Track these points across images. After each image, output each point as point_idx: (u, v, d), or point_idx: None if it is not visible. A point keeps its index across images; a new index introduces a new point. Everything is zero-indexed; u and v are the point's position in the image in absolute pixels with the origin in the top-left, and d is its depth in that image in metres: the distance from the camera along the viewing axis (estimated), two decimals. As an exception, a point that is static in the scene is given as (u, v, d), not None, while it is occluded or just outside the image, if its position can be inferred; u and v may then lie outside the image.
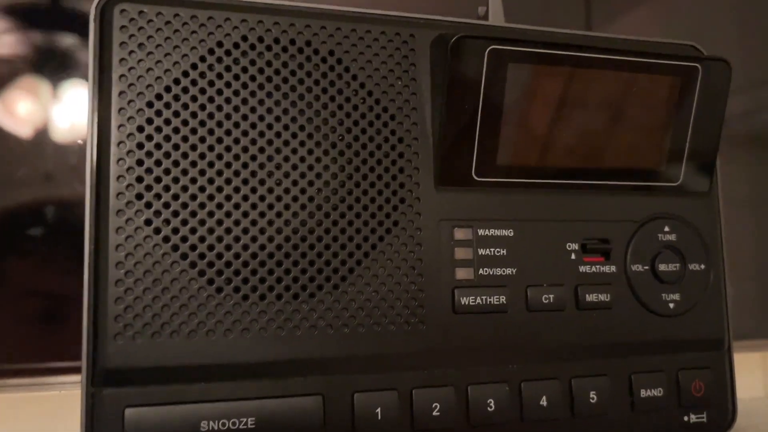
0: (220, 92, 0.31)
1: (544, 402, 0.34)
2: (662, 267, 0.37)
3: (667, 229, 0.37)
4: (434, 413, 0.33)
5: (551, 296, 0.35)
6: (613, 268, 0.36)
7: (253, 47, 0.32)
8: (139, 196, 0.30)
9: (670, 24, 0.68)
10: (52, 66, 0.50)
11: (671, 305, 0.37)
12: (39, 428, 0.41)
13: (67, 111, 0.50)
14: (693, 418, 0.37)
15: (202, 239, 0.30)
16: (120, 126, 0.30)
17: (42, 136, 0.50)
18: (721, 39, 0.68)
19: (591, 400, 0.35)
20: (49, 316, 0.49)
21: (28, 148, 0.50)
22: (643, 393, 0.36)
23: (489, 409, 0.33)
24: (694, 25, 0.68)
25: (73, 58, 0.51)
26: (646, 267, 0.37)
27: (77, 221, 0.48)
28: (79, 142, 0.50)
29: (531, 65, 0.34)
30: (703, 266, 0.37)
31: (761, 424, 0.42)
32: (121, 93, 0.30)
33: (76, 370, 0.45)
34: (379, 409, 0.32)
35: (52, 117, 0.50)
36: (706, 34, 0.68)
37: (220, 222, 0.30)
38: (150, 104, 0.30)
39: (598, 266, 0.36)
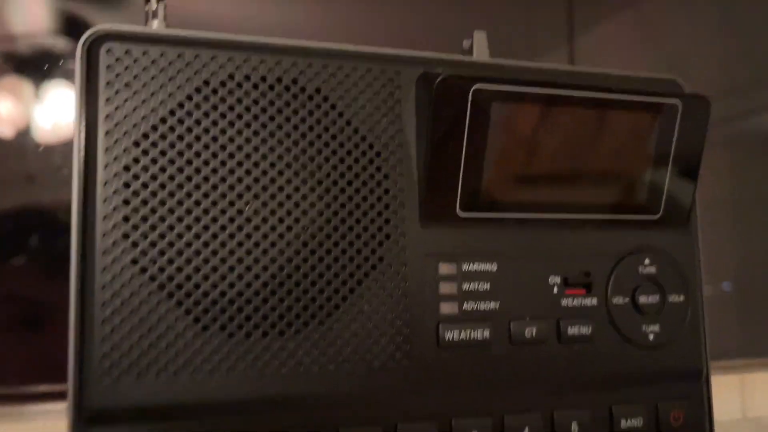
0: (206, 131, 0.31)
1: (526, 434, 0.35)
2: (642, 299, 0.37)
3: (647, 261, 0.38)
4: (419, 448, 0.33)
5: (534, 329, 0.35)
6: (595, 301, 0.37)
7: (239, 85, 0.32)
8: (126, 236, 0.30)
9: (652, 30, 0.69)
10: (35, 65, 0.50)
11: (651, 336, 0.37)
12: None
13: (49, 112, 0.50)
14: (672, 447, 0.37)
15: (188, 278, 0.30)
16: (106, 165, 0.30)
17: (24, 137, 0.50)
18: (702, 46, 0.69)
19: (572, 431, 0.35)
20: (28, 324, 0.49)
21: (9, 149, 0.49)
22: (623, 424, 0.36)
23: (473, 442, 0.34)
24: (674, 31, 0.69)
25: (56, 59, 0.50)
26: (627, 299, 0.37)
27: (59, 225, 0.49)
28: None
29: (514, 103, 0.34)
30: (682, 297, 0.38)
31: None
32: (107, 132, 0.30)
33: (61, 396, 0.45)
34: (367, 445, 0.32)
35: (35, 117, 0.50)
36: (686, 41, 0.69)
37: (206, 260, 0.31)
38: (136, 143, 0.30)
39: (579, 299, 0.36)
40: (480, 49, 0.38)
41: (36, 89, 0.50)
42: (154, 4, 0.33)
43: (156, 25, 0.33)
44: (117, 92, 0.30)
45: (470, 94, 0.33)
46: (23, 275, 0.49)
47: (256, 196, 0.32)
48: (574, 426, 0.35)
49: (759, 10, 0.73)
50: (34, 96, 0.50)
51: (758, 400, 0.50)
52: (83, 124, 0.30)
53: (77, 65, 0.30)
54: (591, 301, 0.37)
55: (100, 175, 0.30)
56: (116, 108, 0.30)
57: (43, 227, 0.50)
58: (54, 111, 0.50)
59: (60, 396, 0.45)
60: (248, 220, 0.31)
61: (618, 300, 0.37)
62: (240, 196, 0.31)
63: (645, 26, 0.69)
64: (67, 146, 0.50)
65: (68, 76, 0.50)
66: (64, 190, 0.48)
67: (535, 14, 0.66)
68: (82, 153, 0.30)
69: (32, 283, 0.49)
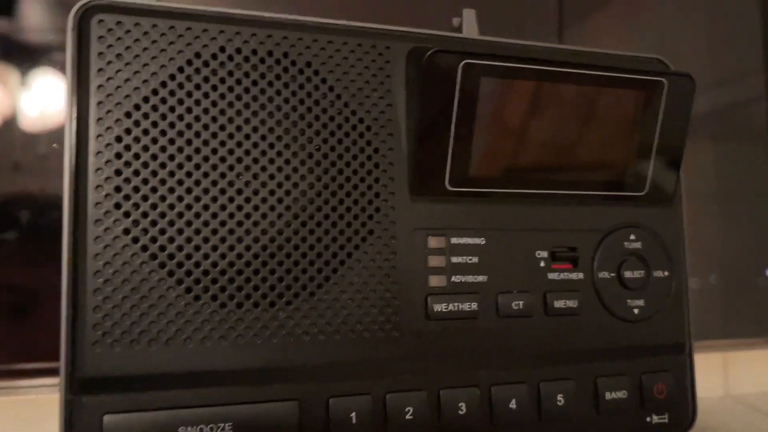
0: (198, 102, 0.31)
1: (513, 405, 0.35)
2: (627, 274, 0.38)
3: (632, 237, 0.38)
4: (407, 416, 0.33)
5: (521, 303, 0.36)
6: (581, 275, 0.37)
7: (231, 58, 0.32)
8: (118, 206, 0.30)
9: (640, 21, 0.69)
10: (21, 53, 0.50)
11: (636, 311, 0.38)
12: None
13: (36, 99, 0.50)
14: (655, 419, 0.38)
15: (180, 248, 0.31)
16: (98, 136, 0.30)
17: (10, 125, 0.49)
18: (690, 37, 0.70)
19: (558, 404, 0.36)
20: (15, 311, 0.49)
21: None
22: (608, 396, 0.37)
23: (460, 412, 0.34)
24: (662, 24, 0.70)
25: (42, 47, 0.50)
26: (613, 274, 0.38)
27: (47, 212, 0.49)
28: (55, 146, 0.49)
29: (503, 79, 0.35)
30: (666, 273, 0.39)
31: (720, 424, 0.44)
32: (99, 103, 0.30)
33: (52, 372, 0.45)
34: (353, 414, 0.32)
35: (21, 105, 0.50)
36: (674, 33, 0.69)
37: (197, 231, 0.31)
38: (128, 114, 0.30)
39: (566, 273, 0.37)
40: (469, 26, 0.38)
41: (22, 77, 0.50)
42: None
43: (149, -4, 0.33)
44: (109, 63, 0.30)
45: (460, 68, 0.33)
46: (8, 262, 0.49)
47: (246, 168, 0.32)
48: (560, 398, 0.36)
49: (746, 3, 0.73)
50: (21, 84, 0.50)
51: (741, 379, 0.51)
52: (75, 94, 0.30)
53: (68, 36, 0.31)
54: (577, 276, 0.37)
55: (92, 145, 0.30)
56: (108, 79, 0.30)
57: (30, 214, 0.49)
58: (41, 99, 0.50)
59: (50, 372, 0.45)
60: (239, 191, 0.32)
61: (604, 275, 0.38)
62: (231, 168, 0.32)
63: (634, 18, 0.70)
64: (53, 134, 0.50)
65: (55, 64, 0.50)
66: (50, 179, 0.48)
67: (525, 5, 0.66)
68: (74, 123, 0.30)
69: (17, 271, 0.49)
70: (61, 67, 0.50)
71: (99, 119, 0.30)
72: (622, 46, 0.68)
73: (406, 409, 0.33)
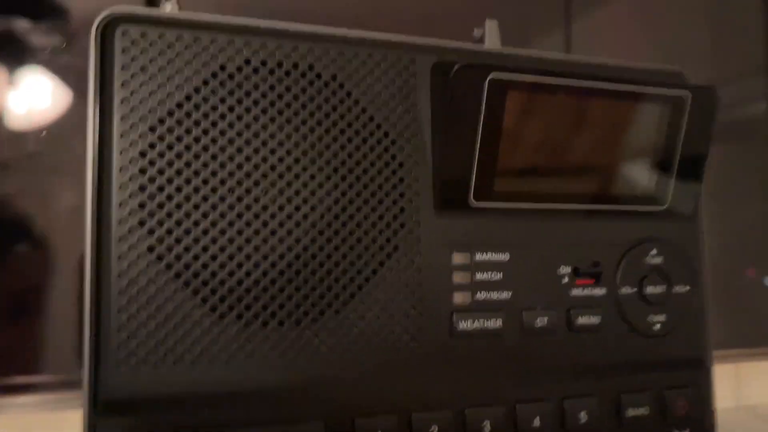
0: (223, 116, 0.31)
1: (537, 423, 0.35)
2: (649, 289, 0.38)
3: (654, 252, 0.38)
4: (431, 436, 0.33)
5: (545, 319, 0.35)
6: (603, 291, 0.37)
7: (255, 71, 0.31)
8: (142, 222, 0.29)
9: (646, 17, 0.69)
10: (8, 51, 0.49)
11: (656, 326, 0.38)
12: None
13: (23, 97, 0.49)
14: (676, 434, 0.38)
15: (205, 265, 0.30)
16: (122, 151, 0.29)
17: None
18: (695, 38, 0.70)
19: (581, 420, 0.36)
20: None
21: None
22: (631, 412, 0.37)
23: (485, 430, 0.34)
24: (667, 20, 0.69)
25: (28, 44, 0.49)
26: (634, 289, 0.38)
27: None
28: (43, 133, 0.48)
29: (529, 93, 0.34)
30: (687, 288, 0.39)
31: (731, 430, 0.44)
32: (123, 117, 0.29)
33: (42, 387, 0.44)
34: (381, 433, 0.32)
35: (8, 103, 0.48)
36: (678, 31, 0.69)
37: (223, 248, 0.30)
38: (153, 129, 0.30)
39: (589, 289, 0.37)
40: (492, 37, 0.38)
41: (10, 75, 0.49)
42: (168, -16, 0.33)
43: (169, 8, 0.32)
44: (132, 76, 0.30)
45: (486, 83, 0.33)
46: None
47: (272, 184, 0.31)
48: (583, 414, 0.36)
49: (747, 2, 0.74)
50: (8, 82, 0.49)
51: (753, 389, 0.51)
52: (98, 107, 0.29)
53: (91, 48, 0.30)
54: (600, 291, 0.37)
55: (116, 160, 0.29)
56: (132, 92, 0.30)
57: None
58: (28, 97, 0.49)
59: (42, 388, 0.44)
60: (265, 207, 0.31)
61: (626, 290, 0.37)
62: (256, 183, 0.31)
63: (639, 13, 0.69)
64: (40, 133, 0.49)
65: (44, 62, 0.49)
66: (37, 178, 0.47)
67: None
68: (97, 137, 0.29)
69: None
70: (49, 66, 0.49)
71: (122, 134, 0.29)
72: (629, 40, 0.68)
73: (431, 428, 0.33)
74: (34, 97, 0.48)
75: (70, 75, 0.49)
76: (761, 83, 0.73)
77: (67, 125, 0.49)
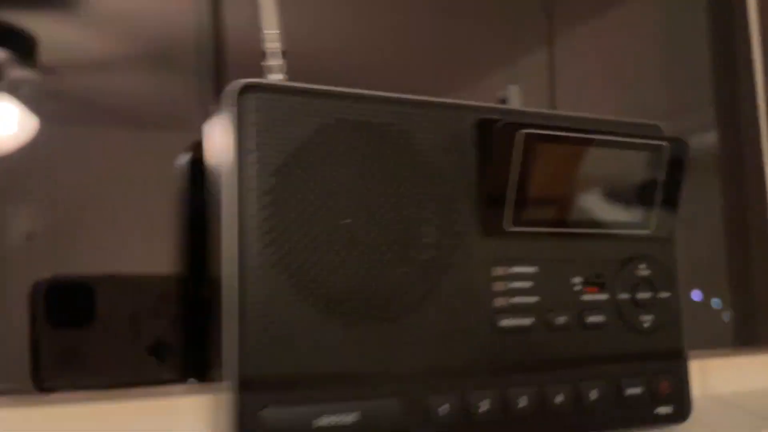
0: (324, 162, 0.40)
1: (560, 399, 0.45)
2: (640, 295, 0.48)
3: (643, 266, 0.49)
4: (481, 410, 0.42)
5: (563, 318, 0.45)
6: (606, 296, 0.47)
7: (346, 127, 0.41)
8: (270, 243, 0.38)
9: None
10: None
11: (646, 324, 0.48)
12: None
13: None
14: (663, 410, 0.48)
15: (316, 276, 0.39)
16: (258, 187, 0.38)
17: None
18: (651, 74, 0.80)
19: (591, 398, 0.46)
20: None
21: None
22: (628, 392, 0.47)
23: (521, 405, 0.43)
24: (627, 54, 0.79)
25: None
26: (629, 295, 0.48)
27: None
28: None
29: (550, 144, 0.45)
30: (668, 294, 0.49)
31: (703, 416, 0.54)
32: (255, 162, 0.39)
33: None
34: (444, 406, 0.41)
35: None
36: (637, 64, 0.79)
37: (329, 262, 0.39)
38: (277, 171, 0.39)
39: (595, 295, 0.47)
40: (514, 99, 0.48)
41: None
42: (278, 60, 0.42)
43: (280, 78, 0.42)
44: (264, 130, 0.39)
45: (519, 136, 0.43)
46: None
47: (361, 214, 0.41)
48: (593, 394, 0.46)
49: (697, 41, 0.85)
50: None
51: (714, 381, 0.62)
52: (238, 155, 0.38)
53: (231, 109, 0.39)
54: (603, 297, 0.47)
55: (251, 195, 0.38)
56: (263, 143, 0.39)
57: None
58: None
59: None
60: (358, 235, 0.40)
61: (623, 296, 0.48)
62: (350, 214, 0.40)
63: (605, 56, 0.79)
64: (4, 160, 0.51)
65: (11, 90, 0.51)
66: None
67: (516, 15, 0.73)
68: (235, 177, 0.38)
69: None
70: (16, 94, 0.51)
71: (256, 175, 0.38)
72: (608, 61, 0.77)
73: (482, 403, 0.42)
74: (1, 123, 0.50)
75: (37, 103, 0.52)
76: (710, 115, 0.84)
77: (30, 153, 0.51)
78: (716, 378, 0.63)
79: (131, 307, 0.53)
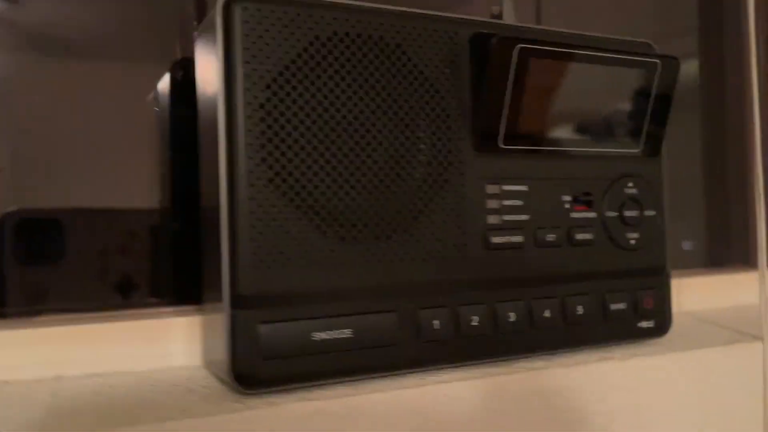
0: (318, 76, 0.39)
1: (547, 314, 0.46)
2: (627, 213, 0.49)
3: (630, 184, 0.49)
4: (472, 323, 0.43)
5: (553, 236, 0.46)
6: (594, 214, 0.48)
7: (341, 40, 0.40)
8: (264, 159, 0.37)
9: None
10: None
11: (632, 242, 0.49)
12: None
13: None
14: (645, 324, 0.50)
15: (310, 193, 0.38)
16: (248, 103, 0.37)
17: None
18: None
19: (578, 313, 0.47)
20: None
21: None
22: (613, 307, 0.48)
23: (510, 320, 0.44)
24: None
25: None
26: (616, 213, 0.49)
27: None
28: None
29: (546, 60, 0.44)
30: (654, 212, 0.50)
31: (681, 331, 0.56)
32: (246, 75, 0.37)
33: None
34: (436, 321, 0.42)
35: None
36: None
37: (323, 179, 0.39)
38: (268, 85, 0.38)
39: (584, 213, 0.47)
40: (508, 13, 0.47)
41: None
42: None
43: (270, -13, 0.40)
44: (253, 43, 0.37)
45: (515, 51, 0.42)
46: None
47: (355, 129, 0.40)
48: (579, 309, 0.47)
49: None
50: None
51: (688, 299, 0.64)
52: (225, 67, 0.37)
53: (217, 20, 0.37)
54: (592, 215, 0.48)
55: (241, 110, 0.37)
56: (252, 56, 0.37)
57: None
58: None
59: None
60: (351, 148, 0.40)
61: (610, 213, 0.48)
62: (344, 129, 0.40)
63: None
64: None
65: None
66: None
67: None
68: (224, 92, 0.37)
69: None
70: None
71: (246, 89, 0.37)
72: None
73: (473, 317, 0.43)
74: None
75: (18, 30, 0.50)
76: (694, 42, 0.84)
77: (8, 80, 0.50)
78: (691, 296, 0.65)
79: (101, 242, 0.52)
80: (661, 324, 0.51)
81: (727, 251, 0.82)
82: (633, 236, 0.49)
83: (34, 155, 0.51)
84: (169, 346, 0.45)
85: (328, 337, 0.39)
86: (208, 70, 0.40)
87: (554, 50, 0.44)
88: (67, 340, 0.44)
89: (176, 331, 0.46)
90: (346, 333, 0.40)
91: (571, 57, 0.45)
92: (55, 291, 0.51)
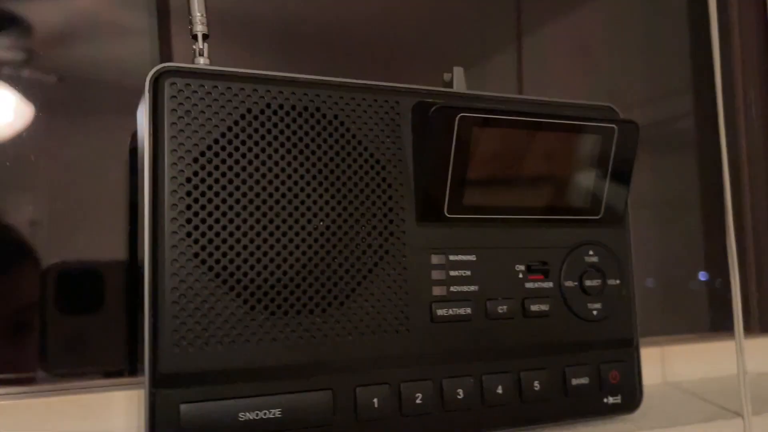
0: (250, 149, 0.39)
1: (500, 390, 0.43)
2: (588, 282, 0.47)
3: (591, 252, 0.47)
4: (417, 401, 0.41)
5: (505, 307, 0.44)
6: (551, 284, 0.46)
7: (275, 113, 0.40)
8: (189, 234, 0.37)
9: (586, 40, 0.78)
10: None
11: (594, 312, 0.47)
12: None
13: None
14: (611, 399, 0.47)
15: (238, 267, 0.38)
16: (172, 177, 0.37)
17: None
18: (630, 60, 0.79)
19: (535, 388, 0.45)
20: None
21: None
22: (574, 382, 0.46)
23: (459, 397, 0.42)
24: (605, 45, 0.79)
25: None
26: (576, 283, 0.47)
27: None
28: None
29: (491, 128, 0.43)
30: (618, 281, 0.48)
31: (658, 405, 0.53)
32: (172, 150, 0.37)
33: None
34: (375, 399, 0.40)
35: None
36: (617, 53, 0.78)
37: (252, 253, 0.38)
38: (196, 159, 0.38)
39: (539, 283, 0.46)
40: (459, 82, 0.47)
41: None
42: (200, 44, 0.41)
43: (203, 62, 0.40)
44: (180, 118, 0.37)
45: (456, 120, 0.42)
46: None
47: (288, 202, 0.39)
48: (536, 384, 0.45)
49: (675, 31, 0.83)
50: None
51: (675, 368, 0.60)
52: (151, 142, 0.37)
53: (146, 95, 0.37)
54: (548, 285, 0.46)
55: (168, 185, 0.37)
56: (179, 131, 0.37)
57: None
58: None
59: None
60: (284, 220, 0.39)
61: (569, 283, 0.46)
62: (277, 202, 0.39)
63: (581, 35, 0.78)
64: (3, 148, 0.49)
65: (5, 77, 0.50)
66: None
67: (485, 15, 0.73)
68: (151, 166, 0.37)
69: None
70: (10, 81, 0.50)
71: (173, 164, 0.37)
72: (574, 57, 0.76)
73: (416, 395, 0.41)
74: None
75: (32, 90, 0.50)
76: (689, 101, 0.83)
77: (26, 140, 0.50)
78: (678, 365, 0.61)
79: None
80: (630, 399, 0.48)
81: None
82: (595, 307, 0.47)
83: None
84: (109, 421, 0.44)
85: (255, 417, 0.38)
86: (140, 139, 0.41)
87: (498, 118, 0.43)
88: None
89: (116, 406, 0.45)
90: (275, 413, 0.38)
91: (519, 125, 0.44)
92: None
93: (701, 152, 0.82)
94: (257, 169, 0.39)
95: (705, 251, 0.81)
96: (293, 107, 0.40)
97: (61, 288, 0.50)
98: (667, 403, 0.53)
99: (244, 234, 0.38)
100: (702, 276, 0.80)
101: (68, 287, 0.50)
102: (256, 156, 0.39)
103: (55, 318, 0.50)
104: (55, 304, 0.49)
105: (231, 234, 0.38)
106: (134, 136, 0.51)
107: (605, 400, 0.47)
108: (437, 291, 0.43)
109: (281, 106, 0.40)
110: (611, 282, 0.48)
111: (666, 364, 0.59)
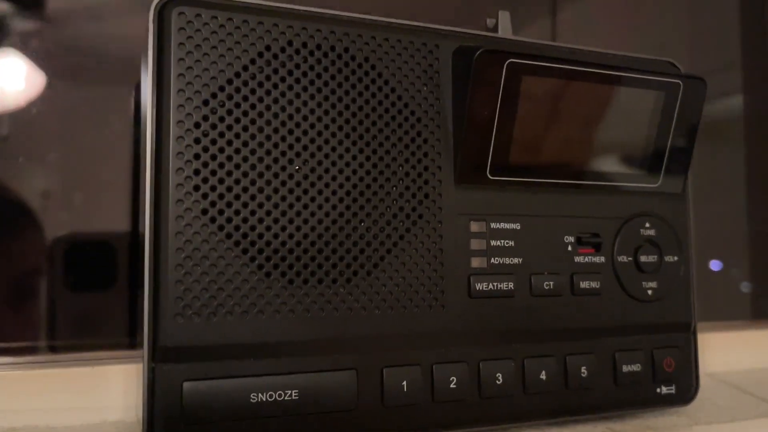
0: (268, 93, 0.34)
1: (543, 376, 0.39)
2: (643, 258, 0.42)
3: (647, 225, 0.42)
4: (451, 386, 0.36)
5: (551, 283, 0.39)
6: (603, 259, 0.41)
7: (297, 52, 0.34)
8: (197, 188, 0.32)
9: (630, 11, 0.72)
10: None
11: (649, 292, 0.42)
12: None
13: None
14: (664, 390, 0.42)
15: (252, 228, 0.33)
16: (179, 122, 0.32)
17: None
18: (674, 33, 0.74)
19: (582, 375, 0.40)
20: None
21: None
22: (625, 368, 0.41)
23: (497, 382, 0.38)
24: (651, 16, 0.73)
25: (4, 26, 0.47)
26: (630, 258, 0.41)
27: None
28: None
29: (542, 77, 0.38)
30: (676, 258, 0.43)
31: (709, 398, 0.48)
32: (179, 91, 0.32)
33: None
34: (404, 382, 0.35)
35: None
36: (660, 26, 0.72)
37: (268, 212, 0.33)
38: (206, 102, 0.33)
39: (590, 257, 0.40)
40: (504, 27, 0.41)
41: None
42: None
43: (217, -9, 0.35)
44: (188, 53, 0.32)
45: (504, 67, 0.36)
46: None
47: (312, 155, 0.34)
48: (584, 370, 0.40)
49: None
50: None
51: (711, 359, 0.55)
52: (156, 81, 0.32)
53: (150, 27, 0.32)
54: (600, 259, 0.41)
55: (173, 130, 0.32)
56: (187, 68, 0.32)
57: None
58: (1, 80, 0.47)
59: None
60: (305, 176, 0.34)
61: (622, 258, 0.41)
62: (298, 154, 0.34)
63: (621, 7, 0.73)
64: (12, 116, 0.47)
65: (18, 45, 0.48)
66: (10, 163, 0.47)
67: None
68: (155, 109, 0.32)
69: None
70: (23, 49, 0.48)
71: (179, 106, 0.32)
72: (613, 30, 0.71)
73: (451, 379, 0.36)
74: (8, 80, 0.47)
75: (45, 59, 0.48)
76: (737, 77, 0.77)
77: (40, 109, 0.47)
78: (715, 354, 0.56)
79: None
80: (685, 390, 0.43)
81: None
82: (650, 285, 0.42)
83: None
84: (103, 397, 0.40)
85: (268, 398, 0.33)
86: (143, 82, 0.36)
87: (552, 66, 0.38)
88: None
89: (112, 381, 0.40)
90: (292, 395, 0.33)
91: (572, 75, 0.38)
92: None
93: (748, 132, 0.76)
94: (275, 116, 0.34)
95: (748, 234, 0.75)
96: (318, 46, 0.35)
97: (70, 261, 0.46)
98: (717, 396, 0.48)
99: (260, 190, 0.33)
100: (714, 265, 0.74)
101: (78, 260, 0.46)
102: (275, 101, 0.34)
103: (63, 293, 0.46)
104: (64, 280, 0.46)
105: (245, 189, 0.33)
106: (138, 87, 0.46)
107: (658, 390, 0.42)
108: (476, 263, 0.38)
109: (304, 45, 0.35)
110: (668, 259, 0.43)
111: (705, 354, 0.54)
